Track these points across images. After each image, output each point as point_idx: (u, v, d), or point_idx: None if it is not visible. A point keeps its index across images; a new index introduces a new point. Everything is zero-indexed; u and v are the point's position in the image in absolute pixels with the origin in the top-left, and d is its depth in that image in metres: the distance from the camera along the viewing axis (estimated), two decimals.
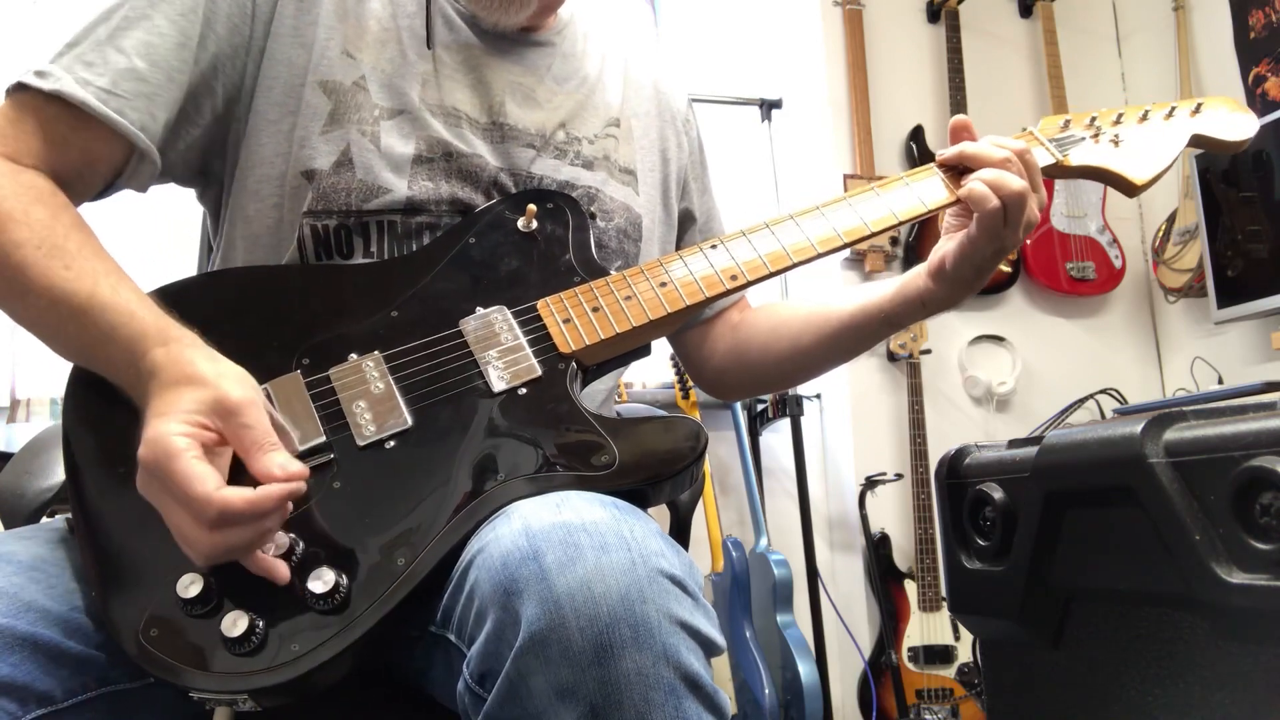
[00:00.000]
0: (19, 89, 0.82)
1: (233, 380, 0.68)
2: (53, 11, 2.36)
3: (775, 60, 3.07)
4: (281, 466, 0.66)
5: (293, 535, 0.69)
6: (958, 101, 2.91)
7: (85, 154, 0.83)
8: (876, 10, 2.99)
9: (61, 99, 0.80)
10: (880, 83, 2.93)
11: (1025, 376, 2.92)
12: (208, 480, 0.62)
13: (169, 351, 0.70)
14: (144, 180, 0.88)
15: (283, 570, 0.67)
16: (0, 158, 0.79)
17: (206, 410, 0.66)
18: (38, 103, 0.81)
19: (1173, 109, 1.02)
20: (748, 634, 2.36)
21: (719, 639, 0.66)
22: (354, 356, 0.80)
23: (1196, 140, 1.01)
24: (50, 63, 0.82)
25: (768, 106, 2.89)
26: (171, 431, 0.64)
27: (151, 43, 0.84)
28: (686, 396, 2.54)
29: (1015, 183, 0.89)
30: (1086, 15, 3.26)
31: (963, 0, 3.00)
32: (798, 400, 2.65)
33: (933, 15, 3.07)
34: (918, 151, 2.92)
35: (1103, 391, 2.79)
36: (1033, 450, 1.02)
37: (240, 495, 0.63)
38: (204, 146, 0.91)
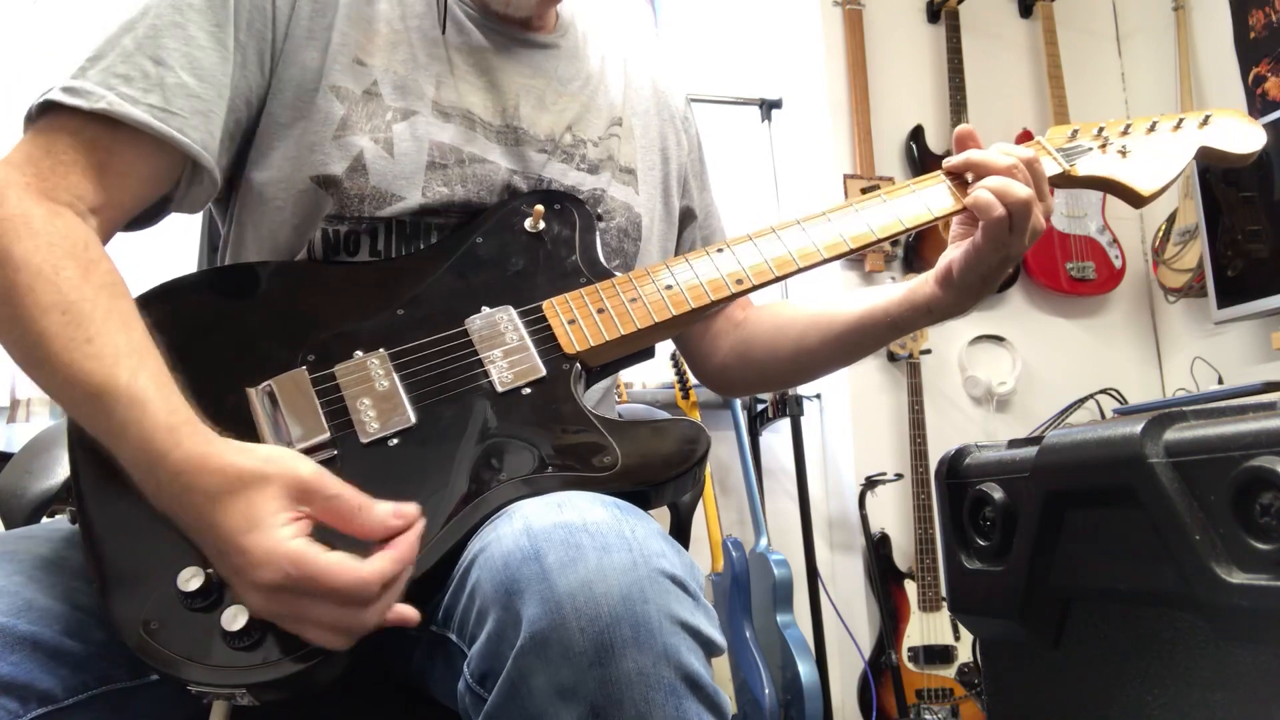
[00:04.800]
0: (50, 109, 0.76)
1: (288, 459, 0.65)
2: (53, 11, 2.36)
3: (775, 60, 3.07)
4: (396, 514, 0.65)
5: None
6: (958, 102, 2.90)
7: (125, 178, 0.78)
8: (876, 10, 2.99)
9: (109, 119, 0.75)
10: (880, 83, 2.93)
11: (1025, 376, 2.92)
12: (353, 564, 0.61)
13: (186, 456, 0.64)
14: (199, 201, 0.85)
15: (413, 613, 0.66)
16: (36, 195, 0.73)
17: (290, 501, 0.64)
18: (75, 124, 0.76)
19: (1181, 121, 1.03)
20: (748, 634, 2.36)
21: (720, 639, 0.66)
22: (359, 354, 0.80)
23: (1204, 153, 1.01)
24: (74, 78, 0.76)
25: (768, 106, 2.89)
26: (283, 538, 0.61)
27: (194, 56, 0.80)
28: (686, 396, 2.54)
29: (1021, 190, 0.89)
30: (1086, 15, 3.26)
31: (963, 0, 3.00)
32: (798, 400, 2.65)
33: (933, 15, 3.07)
34: (918, 151, 2.92)
35: (1103, 391, 2.79)
36: (1033, 450, 1.02)
37: (387, 559, 0.63)
38: (234, 158, 0.89)
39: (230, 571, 0.64)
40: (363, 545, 0.65)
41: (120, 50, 0.79)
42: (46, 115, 0.77)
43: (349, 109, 0.88)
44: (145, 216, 0.85)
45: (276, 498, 0.63)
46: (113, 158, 0.77)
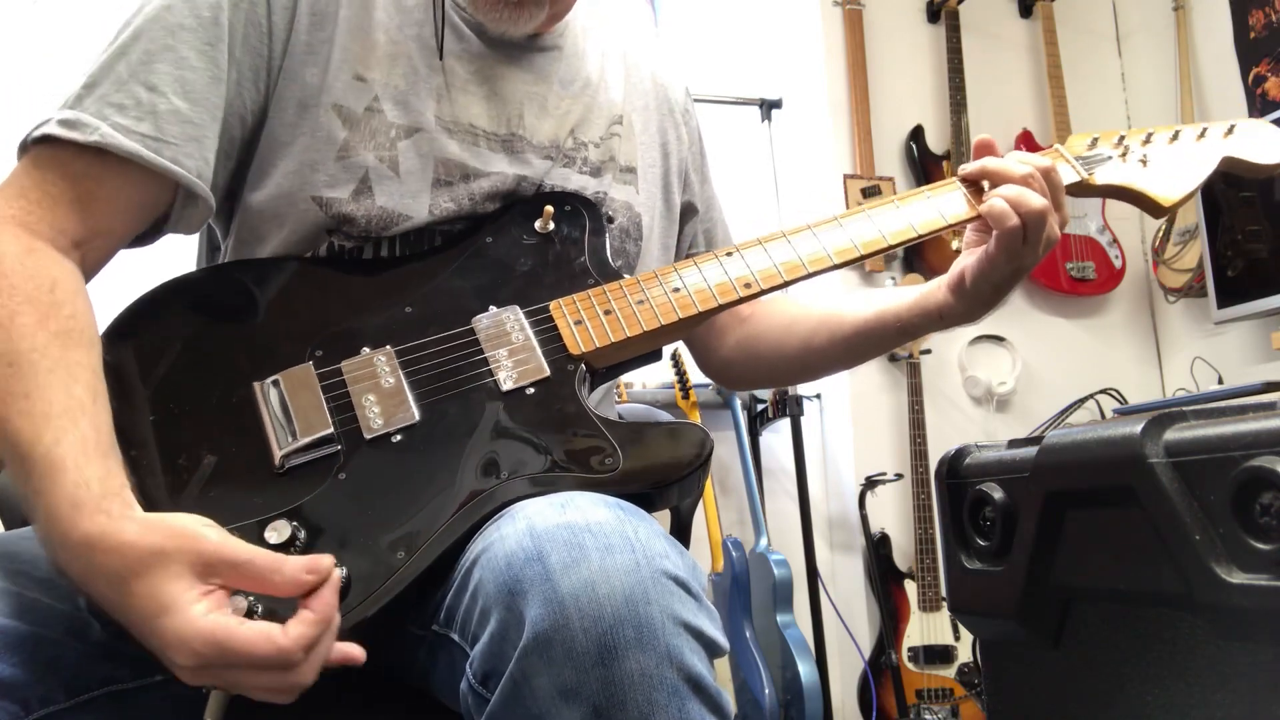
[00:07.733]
0: (44, 141, 0.76)
1: (189, 534, 0.62)
2: (53, 11, 2.36)
3: (775, 60, 3.07)
4: (310, 569, 0.62)
5: (295, 524, 0.69)
6: (958, 102, 2.90)
7: (113, 204, 0.78)
8: (876, 10, 2.99)
9: (102, 150, 0.75)
10: (880, 83, 2.93)
11: (1025, 376, 2.92)
12: (273, 636, 0.59)
13: (86, 535, 0.61)
14: (194, 224, 0.85)
15: (358, 652, 0.64)
16: (19, 229, 0.73)
17: (199, 575, 0.61)
18: (67, 156, 0.76)
19: (1205, 129, 1.01)
20: (748, 634, 2.37)
21: (722, 640, 0.66)
22: (366, 350, 0.80)
23: (1228, 162, 0.99)
24: (71, 109, 0.77)
25: (768, 106, 2.89)
26: (193, 618, 0.59)
27: (186, 79, 0.80)
28: (686, 396, 2.54)
29: (1036, 200, 0.88)
30: (1086, 15, 3.26)
31: (963, 0, 3.00)
32: (798, 400, 2.65)
33: (933, 15, 3.07)
34: (918, 151, 2.92)
35: (1103, 391, 2.79)
36: (1033, 450, 1.02)
37: (306, 623, 0.60)
38: (233, 173, 0.89)
39: (156, 652, 0.61)
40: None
41: (114, 77, 0.79)
42: (43, 145, 0.77)
43: (350, 131, 0.87)
44: (141, 237, 0.85)
45: (181, 576, 0.60)
46: (102, 186, 0.77)
